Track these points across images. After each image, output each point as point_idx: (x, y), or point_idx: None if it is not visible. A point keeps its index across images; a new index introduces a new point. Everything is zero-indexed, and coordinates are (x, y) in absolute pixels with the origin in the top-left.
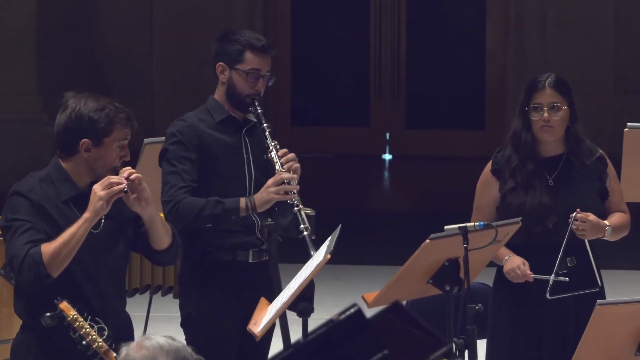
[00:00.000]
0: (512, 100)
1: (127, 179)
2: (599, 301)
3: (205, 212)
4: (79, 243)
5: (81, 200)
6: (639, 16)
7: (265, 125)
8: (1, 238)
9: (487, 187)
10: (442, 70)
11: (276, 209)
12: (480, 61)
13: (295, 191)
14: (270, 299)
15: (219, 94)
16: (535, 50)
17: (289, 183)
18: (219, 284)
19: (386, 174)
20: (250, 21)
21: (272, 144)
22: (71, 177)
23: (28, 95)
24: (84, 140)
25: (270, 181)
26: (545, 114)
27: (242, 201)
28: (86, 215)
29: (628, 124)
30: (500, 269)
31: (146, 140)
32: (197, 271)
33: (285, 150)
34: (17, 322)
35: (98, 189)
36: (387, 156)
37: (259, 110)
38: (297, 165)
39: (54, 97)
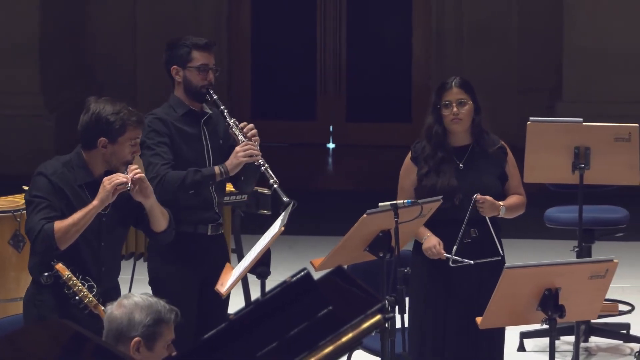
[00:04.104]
0: None
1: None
2: (506, 265)
3: (187, 180)
4: (86, 225)
5: (94, 186)
6: (537, 26)
7: (222, 107)
8: (9, 214)
9: (408, 172)
10: (376, 73)
11: (242, 178)
12: (408, 65)
13: (260, 154)
14: (223, 265)
15: (178, 92)
16: (452, 55)
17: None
18: (182, 252)
19: (330, 160)
20: (217, 35)
21: (232, 120)
22: (88, 166)
23: (32, 95)
24: (102, 138)
25: (238, 148)
26: (455, 109)
27: (217, 168)
28: (94, 202)
29: (530, 118)
30: (417, 243)
31: None
32: None
33: (244, 123)
34: (24, 284)
35: (106, 183)
36: (331, 145)
37: (214, 97)
38: (255, 131)
39: (54, 96)
